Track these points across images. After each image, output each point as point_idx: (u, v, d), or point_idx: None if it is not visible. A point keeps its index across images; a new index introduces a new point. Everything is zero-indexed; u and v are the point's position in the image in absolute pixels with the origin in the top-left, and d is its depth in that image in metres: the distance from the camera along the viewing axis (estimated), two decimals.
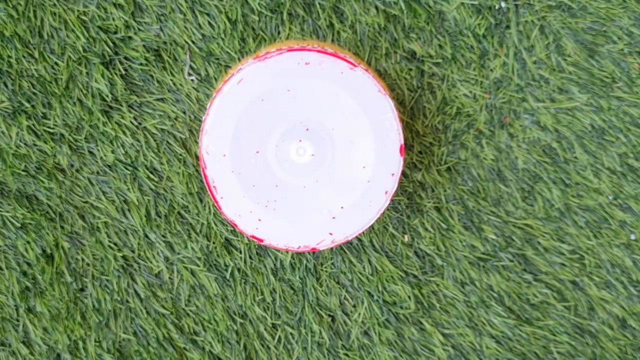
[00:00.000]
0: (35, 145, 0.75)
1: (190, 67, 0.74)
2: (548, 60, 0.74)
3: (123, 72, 0.74)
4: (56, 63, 0.74)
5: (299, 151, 0.67)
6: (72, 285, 0.77)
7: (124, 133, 0.75)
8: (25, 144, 0.75)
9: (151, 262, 0.77)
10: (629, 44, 0.74)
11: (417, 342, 0.78)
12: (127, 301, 0.77)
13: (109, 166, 0.75)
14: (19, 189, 0.76)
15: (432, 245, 0.77)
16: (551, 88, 0.74)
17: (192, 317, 0.78)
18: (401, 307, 0.78)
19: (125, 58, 0.74)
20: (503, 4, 0.73)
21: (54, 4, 0.73)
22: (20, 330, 0.78)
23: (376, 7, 0.73)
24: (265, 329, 0.78)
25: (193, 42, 0.74)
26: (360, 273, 0.77)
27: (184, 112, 0.75)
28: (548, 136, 0.75)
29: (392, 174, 0.67)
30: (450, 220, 0.77)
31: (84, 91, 0.74)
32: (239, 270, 0.77)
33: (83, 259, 0.77)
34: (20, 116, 0.74)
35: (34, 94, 0.74)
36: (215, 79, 0.74)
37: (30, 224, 0.76)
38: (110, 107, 0.75)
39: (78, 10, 0.73)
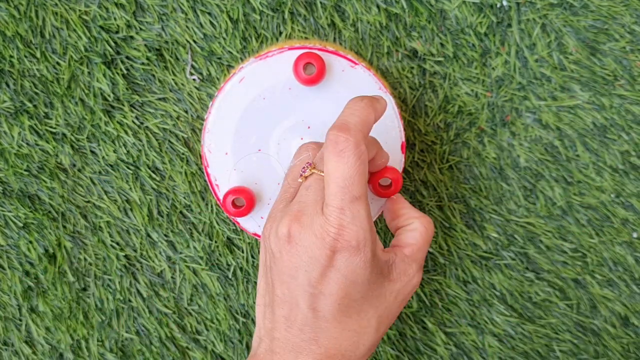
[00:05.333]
0: (37, 145, 0.75)
1: (192, 66, 0.75)
2: (550, 58, 0.74)
3: (125, 71, 0.74)
4: (58, 63, 0.74)
5: None
6: (75, 285, 0.77)
7: (126, 132, 0.75)
8: (27, 143, 0.75)
9: (153, 262, 0.77)
10: (630, 42, 0.74)
11: (419, 341, 0.78)
12: (130, 300, 0.77)
13: (111, 166, 0.75)
14: (21, 189, 0.76)
15: (434, 244, 0.77)
16: (553, 86, 0.74)
17: (195, 316, 0.78)
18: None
19: (127, 57, 0.74)
20: (505, 2, 0.73)
21: (56, 4, 0.73)
22: (22, 330, 0.78)
23: (377, 6, 0.73)
24: None
25: (195, 41, 0.74)
26: None
27: (186, 112, 0.75)
28: (550, 134, 0.75)
29: None
30: (452, 218, 0.77)
31: (86, 91, 0.74)
32: (241, 269, 0.77)
33: (85, 259, 0.77)
34: (22, 116, 0.74)
35: (36, 93, 0.74)
36: (217, 78, 0.74)
37: (32, 223, 0.76)
38: (112, 107, 0.75)
39: (79, 10, 0.73)
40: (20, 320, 0.78)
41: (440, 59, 0.74)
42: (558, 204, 0.76)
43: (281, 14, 0.74)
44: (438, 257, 0.77)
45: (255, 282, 0.77)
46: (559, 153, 0.75)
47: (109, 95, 0.74)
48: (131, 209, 0.76)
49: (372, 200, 0.68)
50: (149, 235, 0.76)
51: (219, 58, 0.74)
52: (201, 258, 0.77)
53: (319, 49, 0.65)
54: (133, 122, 0.75)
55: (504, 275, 0.77)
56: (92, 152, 0.75)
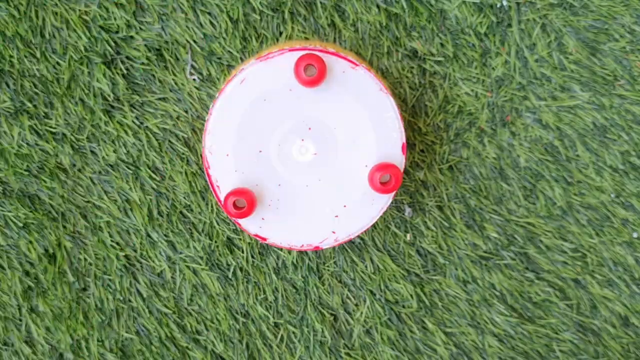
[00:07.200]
0: (37, 145, 0.75)
1: (192, 66, 0.74)
2: (550, 58, 0.74)
3: (125, 71, 0.74)
4: (58, 63, 0.74)
5: (302, 150, 0.67)
6: (75, 285, 0.77)
7: (126, 132, 0.75)
8: (27, 143, 0.75)
9: (153, 262, 0.77)
10: (630, 42, 0.74)
11: (419, 341, 0.78)
12: (130, 300, 0.77)
13: (111, 166, 0.75)
14: (21, 189, 0.76)
15: (434, 244, 0.77)
16: (553, 86, 0.74)
17: (195, 316, 0.78)
18: (403, 306, 0.78)
19: (127, 57, 0.74)
20: (505, 2, 0.73)
21: (56, 4, 0.73)
22: (22, 330, 0.78)
23: (377, 6, 0.73)
24: (268, 328, 0.78)
25: (195, 41, 0.74)
26: (363, 272, 0.77)
27: (186, 112, 0.75)
28: (550, 134, 0.75)
29: None
30: (452, 218, 0.77)
31: (86, 91, 0.74)
32: (241, 269, 0.77)
33: (85, 259, 0.77)
34: (22, 116, 0.74)
35: (36, 93, 0.74)
36: (217, 78, 0.74)
37: (32, 223, 0.76)
38: (112, 107, 0.75)
39: (80, 10, 0.73)
40: (20, 320, 0.78)
41: (440, 59, 0.74)
42: (558, 204, 0.76)
43: (281, 14, 0.73)
44: (438, 257, 0.77)
45: (255, 282, 0.77)
46: (559, 153, 0.75)
47: (109, 95, 0.74)
48: (131, 209, 0.76)
49: (373, 199, 0.68)
50: (149, 235, 0.76)
51: (219, 58, 0.74)
52: (201, 258, 0.77)
53: (320, 50, 0.65)
54: (133, 122, 0.75)
55: (503, 275, 0.77)
56: (92, 152, 0.75)
